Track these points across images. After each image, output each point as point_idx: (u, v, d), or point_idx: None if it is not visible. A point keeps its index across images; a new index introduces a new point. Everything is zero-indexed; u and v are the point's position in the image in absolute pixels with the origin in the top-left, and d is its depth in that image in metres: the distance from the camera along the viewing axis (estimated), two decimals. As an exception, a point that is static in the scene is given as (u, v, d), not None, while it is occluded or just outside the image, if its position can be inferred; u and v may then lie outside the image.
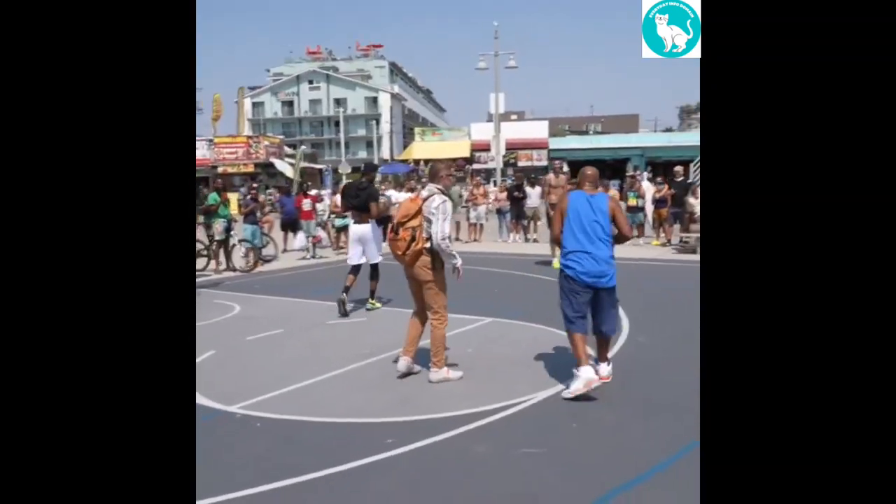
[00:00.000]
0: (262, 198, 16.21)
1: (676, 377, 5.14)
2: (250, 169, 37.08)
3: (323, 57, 79.07)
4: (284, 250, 14.97)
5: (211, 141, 36.73)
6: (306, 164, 40.59)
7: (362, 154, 66.02)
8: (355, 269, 8.15)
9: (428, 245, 4.99)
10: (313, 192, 15.66)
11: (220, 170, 34.82)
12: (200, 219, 12.53)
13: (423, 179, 19.41)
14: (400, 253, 5.02)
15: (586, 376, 4.62)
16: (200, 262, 11.98)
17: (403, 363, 5.24)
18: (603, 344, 5.09)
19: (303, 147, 40.16)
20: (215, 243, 12.18)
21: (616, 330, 5.39)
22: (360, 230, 8.01)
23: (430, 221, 4.99)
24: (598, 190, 5.00)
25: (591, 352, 5.14)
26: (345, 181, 39.61)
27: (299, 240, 14.43)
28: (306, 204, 14.71)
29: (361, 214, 7.97)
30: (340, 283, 8.00)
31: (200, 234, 12.13)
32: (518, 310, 7.81)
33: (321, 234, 14.81)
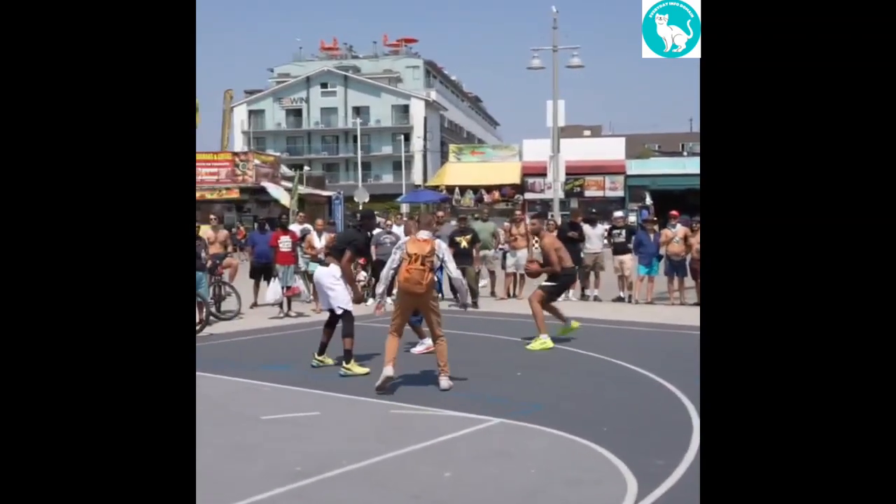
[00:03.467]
0: (211, 233, 15.06)
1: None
2: (235, 195, 37.39)
3: (341, 54, 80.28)
4: (254, 304, 14.44)
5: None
6: (309, 191, 40.75)
7: (388, 178, 66.26)
8: (329, 323, 9.08)
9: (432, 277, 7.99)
10: (295, 226, 15.15)
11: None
12: None
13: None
14: (424, 283, 7.63)
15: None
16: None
17: (391, 369, 7.65)
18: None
19: (307, 168, 40.34)
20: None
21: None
22: (318, 273, 9.30)
23: (441, 261, 7.94)
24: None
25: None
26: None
27: (272, 291, 13.75)
28: (284, 243, 14.07)
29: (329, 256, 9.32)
30: (307, 352, 7.60)
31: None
32: (542, 403, 7.16)
33: (299, 284, 14.18)
